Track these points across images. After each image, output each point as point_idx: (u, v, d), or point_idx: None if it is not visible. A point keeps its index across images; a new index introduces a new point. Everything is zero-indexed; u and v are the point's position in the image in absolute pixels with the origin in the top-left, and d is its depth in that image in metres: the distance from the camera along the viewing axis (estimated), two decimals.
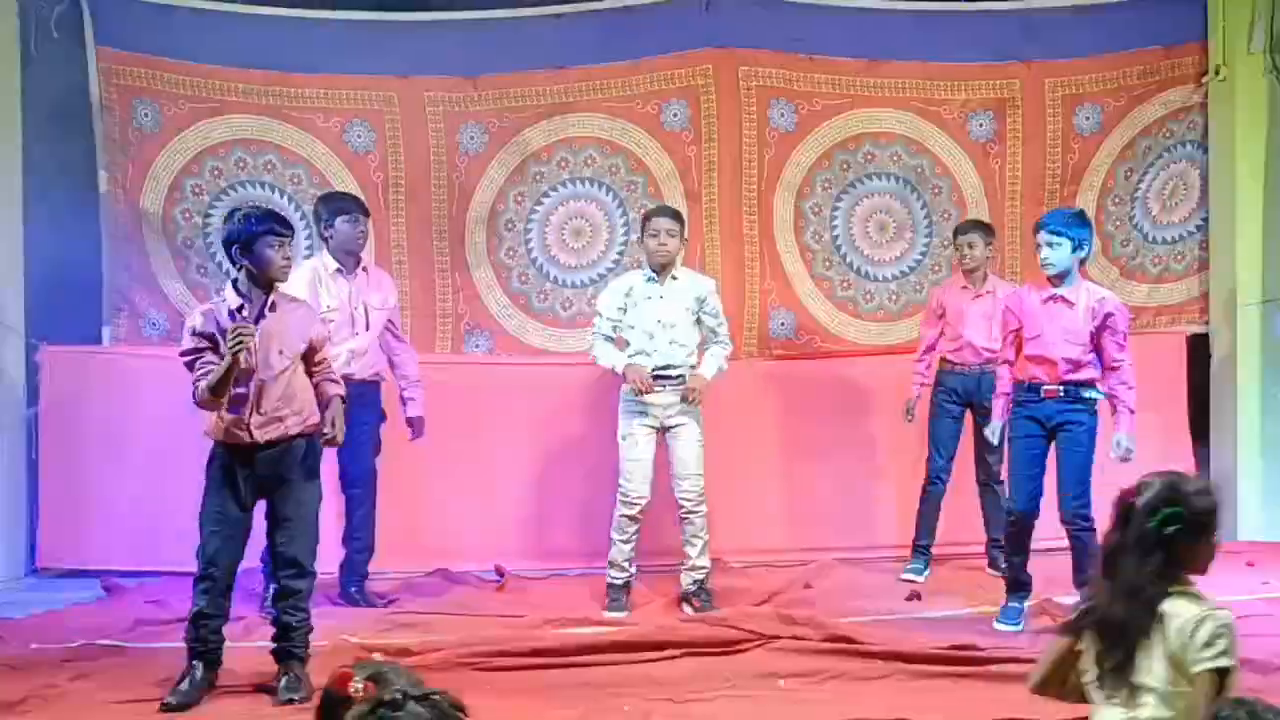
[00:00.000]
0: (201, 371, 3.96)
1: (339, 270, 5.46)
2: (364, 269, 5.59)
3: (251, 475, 4.04)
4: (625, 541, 5.30)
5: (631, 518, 5.28)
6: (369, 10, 6.63)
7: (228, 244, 4.10)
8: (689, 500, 5.29)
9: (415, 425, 5.71)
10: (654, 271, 5.33)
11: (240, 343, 3.81)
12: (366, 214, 5.63)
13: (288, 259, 4.13)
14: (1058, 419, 4.72)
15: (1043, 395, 4.72)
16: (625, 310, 5.32)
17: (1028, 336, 4.78)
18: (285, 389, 4.06)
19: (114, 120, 6.47)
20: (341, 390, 4.32)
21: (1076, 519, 4.66)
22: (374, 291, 5.58)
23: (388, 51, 6.62)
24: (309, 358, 4.20)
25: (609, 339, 5.38)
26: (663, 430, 5.32)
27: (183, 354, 4.07)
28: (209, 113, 6.53)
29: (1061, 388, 4.69)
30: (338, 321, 5.29)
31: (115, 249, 6.52)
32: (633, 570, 5.39)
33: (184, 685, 3.95)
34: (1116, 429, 4.82)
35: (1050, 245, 4.71)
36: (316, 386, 4.23)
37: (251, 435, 4.00)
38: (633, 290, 5.33)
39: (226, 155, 6.57)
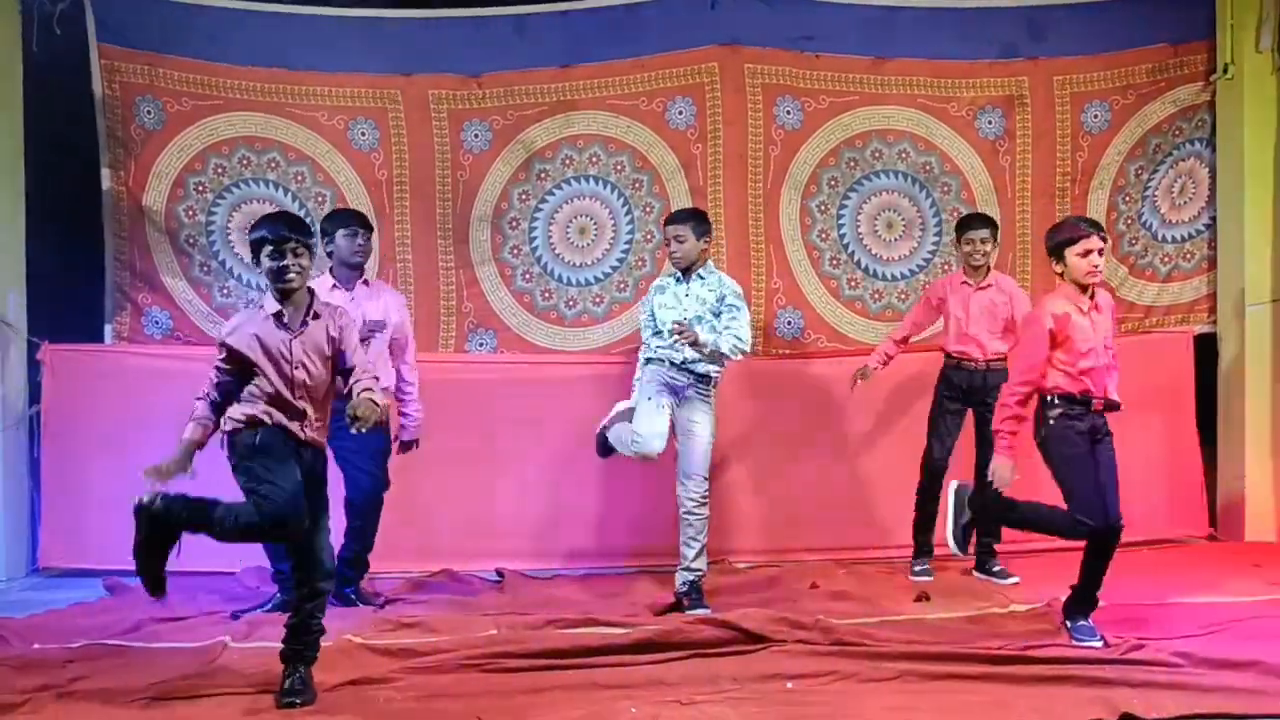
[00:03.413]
0: (202, 401, 4.00)
1: (335, 286, 5.39)
2: (364, 282, 5.50)
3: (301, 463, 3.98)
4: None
5: (644, 457, 5.25)
6: (373, 8, 6.62)
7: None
8: (692, 499, 5.27)
9: (405, 447, 5.66)
10: (681, 272, 5.40)
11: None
12: (368, 229, 5.51)
13: (288, 268, 3.91)
14: (1101, 431, 4.57)
15: (1092, 408, 4.54)
16: (653, 312, 5.43)
17: (1081, 350, 4.51)
18: (325, 396, 4.03)
19: (116, 118, 6.46)
20: (372, 384, 4.00)
21: (1117, 531, 4.53)
22: (371, 305, 5.44)
23: (392, 49, 6.62)
24: (341, 367, 4.07)
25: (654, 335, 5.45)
26: (672, 425, 5.32)
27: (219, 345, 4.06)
28: (212, 110, 6.52)
29: (1103, 400, 4.56)
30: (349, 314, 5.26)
31: (118, 247, 6.52)
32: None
33: None
34: None
35: (1101, 252, 4.52)
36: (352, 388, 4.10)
37: (303, 432, 3.97)
38: (664, 290, 5.46)
39: (230, 153, 6.56)
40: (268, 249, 3.92)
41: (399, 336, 5.55)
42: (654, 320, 5.42)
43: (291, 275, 3.93)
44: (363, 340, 5.30)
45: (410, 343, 5.65)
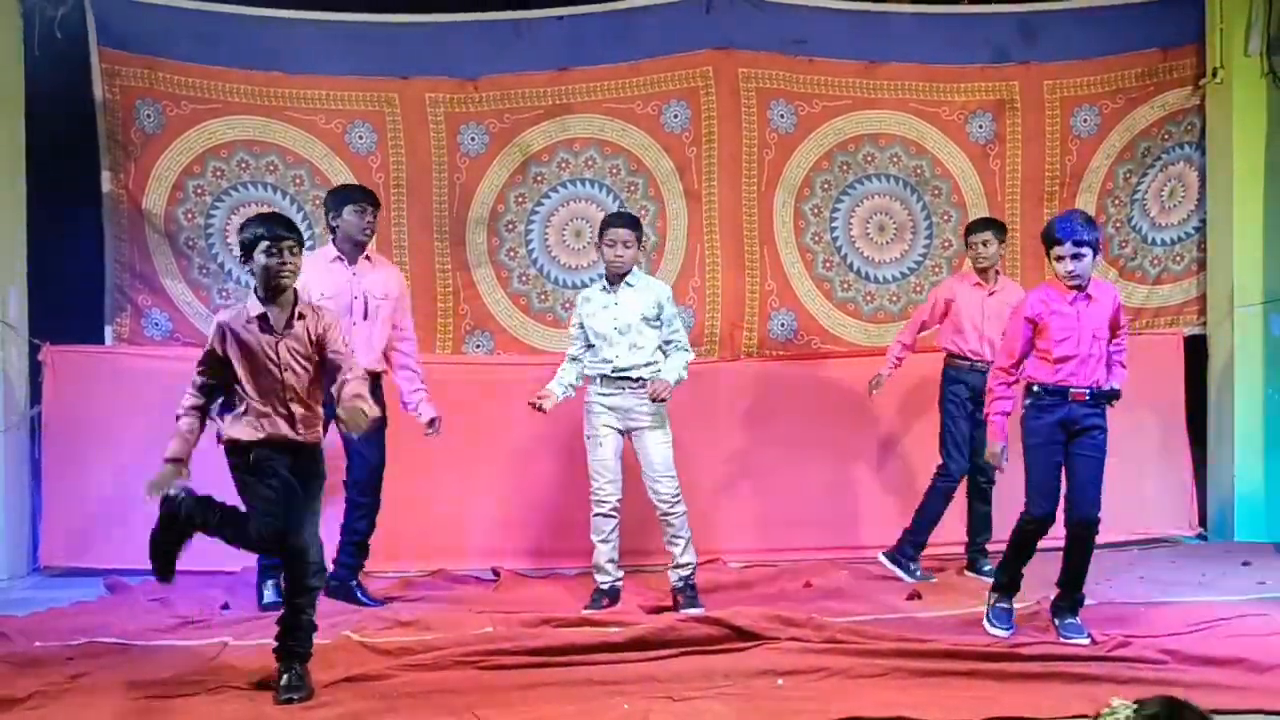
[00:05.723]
0: (184, 417, 4.08)
1: (338, 259, 5.42)
2: (367, 258, 5.52)
3: (290, 469, 4.06)
4: (604, 542, 5.34)
5: (605, 515, 5.32)
6: (370, 12, 6.66)
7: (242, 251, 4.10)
8: (665, 502, 5.29)
9: (434, 424, 5.55)
10: (609, 281, 5.33)
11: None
12: (376, 205, 5.55)
13: (284, 264, 3.99)
14: (1082, 423, 4.60)
15: (1070, 398, 4.58)
16: (582, 324, 5.35)
17: (1057, 338, 4.58)
18: (313, 395, 4.09)
19: (117, 121, 6.50)
20: (355, 372, 4.06)
21: (1090, 524, 4.61)
22: (375, 280, 5.49)
23: (389, 53, 6.67)
24: (322, 355, 4.10)
25: (575, 358, 5.41)
26: (627, 434, 5.33)
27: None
28: (211, 114, 6.57)
29: (1089, 391, 4.59)
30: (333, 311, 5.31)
31: (118, 249, 6.56)
32: (618, 575, 5.41)
33: None
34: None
35: (1076, 258, 4.54)
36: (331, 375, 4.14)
37: (296, 433, 4.05)
38: (590, 300, 5.37)
39: (229, 156, 6.60)
40: (264, 245, 3.97)
41: (398, 311, 5.55)
42: (584, 332, 5.34)
43: (286, 274, 4.01)
44: (365, 316, 5.36)
45: (407, 319, 5.63)
